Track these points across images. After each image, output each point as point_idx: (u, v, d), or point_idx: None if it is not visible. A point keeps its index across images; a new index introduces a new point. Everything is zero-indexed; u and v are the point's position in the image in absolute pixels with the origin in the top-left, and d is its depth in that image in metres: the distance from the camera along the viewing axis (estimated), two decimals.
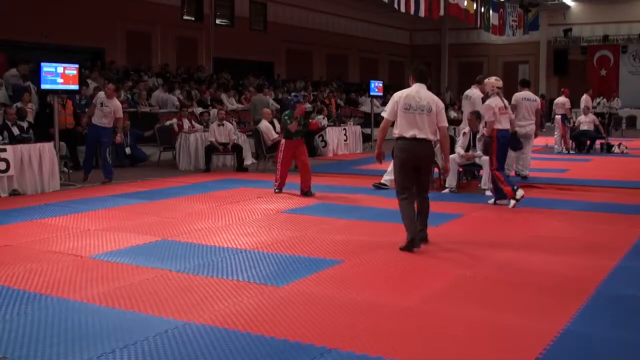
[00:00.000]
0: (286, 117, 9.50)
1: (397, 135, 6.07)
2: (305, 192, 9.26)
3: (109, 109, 10.69)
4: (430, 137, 6.04)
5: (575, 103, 17.06)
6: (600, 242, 6.46)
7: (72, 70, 10.29)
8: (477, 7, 19.81)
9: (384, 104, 13.59)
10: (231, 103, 17.41)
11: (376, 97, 18.72)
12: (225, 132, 12.75)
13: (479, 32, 27.69)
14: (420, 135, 5.97)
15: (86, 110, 11.82)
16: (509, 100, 9.44)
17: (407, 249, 5.86)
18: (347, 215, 7.78)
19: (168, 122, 13.96)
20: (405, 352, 3.64)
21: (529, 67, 30.09)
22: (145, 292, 4.70)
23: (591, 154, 15.72)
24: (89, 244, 6.23)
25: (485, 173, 9.44)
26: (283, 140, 9.55)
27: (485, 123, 8.49)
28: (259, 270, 5.32)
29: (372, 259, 5.69)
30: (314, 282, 4.97)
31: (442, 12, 17.97)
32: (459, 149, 9.69)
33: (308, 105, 16.74)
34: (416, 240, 5.90)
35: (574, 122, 16.68)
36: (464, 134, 9.87)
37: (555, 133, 16.13)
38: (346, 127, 17.02)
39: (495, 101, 8.32)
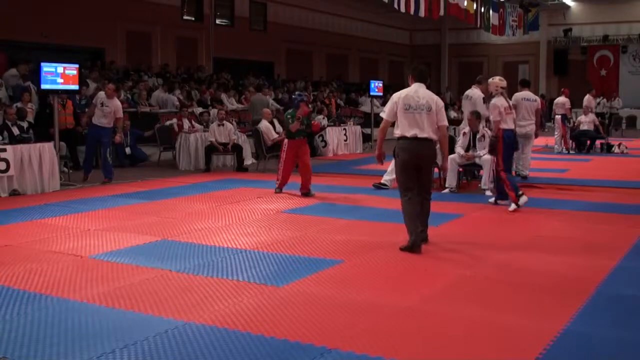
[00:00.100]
0: (289, 116, 9.47)
1: (398, 135, 6.07)
2: (305, 193, 9.25)
3: (109, 109, 10.69)
4: (432, 136, 6.02)
5: (575, 103, 17.06)
6: (600, 242, 6.46)
7: (72, 70, 10.29)
8: (477, 7, 19.81)
9: (384, 104, 13.58)
10: (231, 103, 17.42)
11: (376, 97, 18.71)
12: (225, 132, 12.75)
13: (479, 32, 27.69)
14: (421, 135, 5.96)
15: (86, 110, 11.82)
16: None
17: (408, 250, 5.86)
18: (347, 215, 7.78)
19: (168, 122, 13.97)
20: (405, 352, 3.64)
21: (529, 67, 30.09)
22: (145, 292, 4.70)
23: (591, 154, 15.72)
24: (89, 244, 6.23)
25: (485, 173, 9.44)
26: (286, 140, 9.52)
27: (486, 123, 8.48)
28: (259, 270, 5.32)
29: (372, 259, 5.69)
30: (314, 282, 4.97)
31: (442, 12, 17.97)
32: (459, 149, 9.69)
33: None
34: (418, 244, 5.87)
35: (574, 122, 16.69)
36: (464, 134, 9.86)
37: (556, 133, 16.14)
38: (346, 127, 17.02)
39: (501, 101, 8.29)
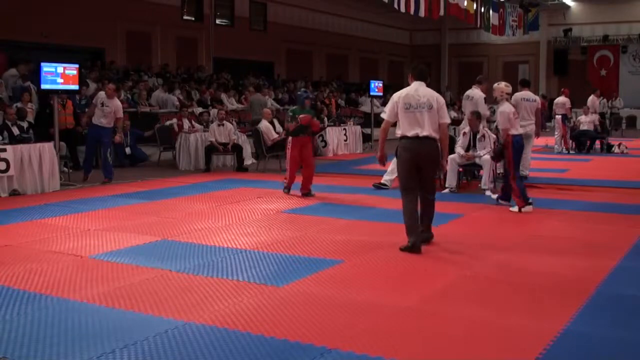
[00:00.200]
0: (290, 113, 9.44)
1: (399, 135, 6.06)
2: (305, 194, 9.23)
3: (109, 109, 10.69)
4: (433, 134, 5.98)
5: (575, 103, 17.06)
6: (600, 242, 6.46)
7: (72, 70, 10.29)
8: (477, 7, 19.81)
9: (384, 104, 13.59)
10: (231, 103, 17.41)
11: (376, 97, 18.72)
12: (225, 132, 12.75)
13: (479, 32, 27.69)
14: (422, 134, 5.94)
15: (86, 110, 11.82)
16: None
17: (408, 250, 5.85)
18: (347, 215, 7.78)
19: (168, 122, 13.97)
20: (405, 352, 3.64)
21: (529, 67, 30.09)
22: (145, 292, 4.70)
23: (591, 154, 15.72)
24: (89, 244, 6.23)
25: (485, 173, 9.44)
26: (290, 138, 9.46)
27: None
28: (259, 270, 5.32)
29: (372, 259, 5.69)
30: (314, 282, 4.97)
31: (442, 12, 17.97)
32: (459, 149, 9.69)
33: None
34: (418, 246, 5.86)
35: (574, 122, 16.69)
36: (464, 134, 9.86)
37: (556, 133, 16.14)
38: (346, 127, 17.02)
39: (509, 107, 8.18)
